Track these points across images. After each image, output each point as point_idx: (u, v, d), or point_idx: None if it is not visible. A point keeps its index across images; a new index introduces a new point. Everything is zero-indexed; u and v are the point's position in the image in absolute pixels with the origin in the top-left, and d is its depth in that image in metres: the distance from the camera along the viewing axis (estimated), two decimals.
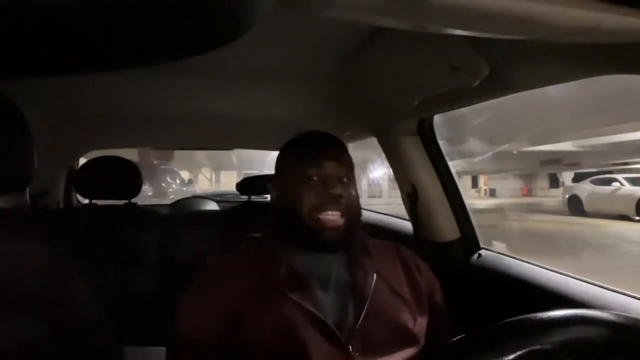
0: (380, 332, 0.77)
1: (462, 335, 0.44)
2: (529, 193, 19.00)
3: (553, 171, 16.93)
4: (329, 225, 0.79)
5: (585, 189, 10.54)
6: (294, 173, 0.83)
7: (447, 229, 1.28)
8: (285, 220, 0.84)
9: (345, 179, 0.82)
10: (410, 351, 0.78)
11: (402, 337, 0.79)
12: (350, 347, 0.73)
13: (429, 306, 0.86)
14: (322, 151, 0.83)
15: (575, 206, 10.55)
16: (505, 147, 11.44)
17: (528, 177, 19.33)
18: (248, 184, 1.88)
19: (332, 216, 0.79)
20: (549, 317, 0.43)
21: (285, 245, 0.82)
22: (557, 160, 13.68)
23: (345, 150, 0.88)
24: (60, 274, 0.60)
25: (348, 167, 0.84)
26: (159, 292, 1.54)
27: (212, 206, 2.72)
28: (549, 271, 1.00)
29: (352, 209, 0.82)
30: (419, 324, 0.82)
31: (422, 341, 0.81)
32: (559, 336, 0.41)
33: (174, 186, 9.77)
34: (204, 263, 0.87)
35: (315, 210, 0.79)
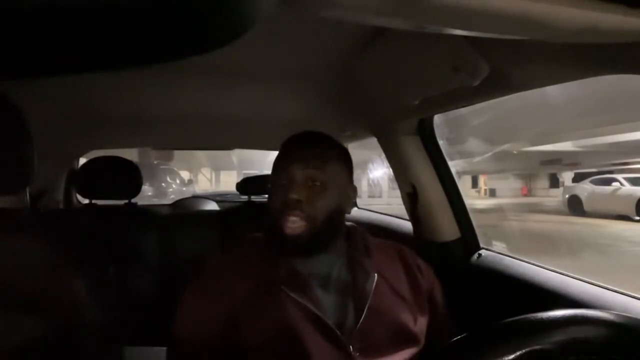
0: (381, 332, 0.77)
1: (462, 335, 0.44)
2: (529, 193, 19.00)
3: (553, 171, 16.92)
4: (288, 231, 0.77)
5: (585, 189, 10.54)
6: (272, 176, 0.84)
7: (447, 229, 1.28)
8: (267, 222, 0.84)
9: (317, 183, 0.79)
10: (410, 351, 0.78)
11: (402, 337, 0.79)
12: (350, 347, 0.73)
13: (429, 306, 0.86)
14: (291, 155, 0.82)
15: (575, 206, 10.54)
16: (505, 147, 11.44)
17: (528, 177, 19.33)
18: (248, 184, 1.89)
19: (291, 222, 0.77)
20: (549, 317, 0.43)
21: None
22: (557, 160, 13.68)
23: (326, 151, 0.83)
24: (60, 273, 0.60)
25: (321, 168, 0.80)
26: (159, 292, 1.54)
27: (212, 206, 2.72)
28: (549, 271, 1.00)
29: (318, 214, 0.79)
30: (420, 324, 0.82)
31: (423, 341, 0.81)
32: (559, 336, 0.41)
33: (174, 186, 9.78)
34: (203, 263, 0.87)
35: (278, 215, 0.79)
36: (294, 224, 0.77)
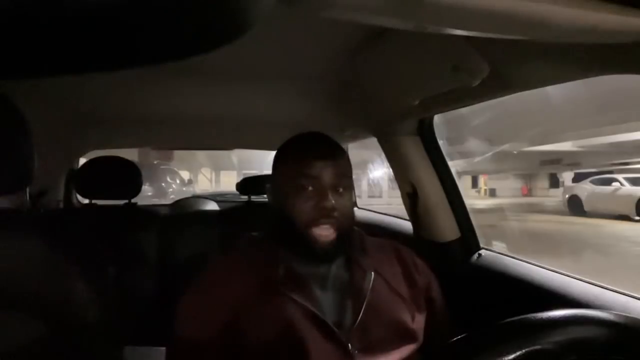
0: (379, 330, 0.77)
1: (462, 335, 0.44)
2: (529, 193, 19.01)
3: (553, 171, 16.93)
4: (322, 239, 0.77)
5: (585, 189, 10.54)
6: (289, 180, 0.80)
7: (447, 229, 1.28)
8: (281, 226, 0.82)
9: (340, 189, 0.79)
10: (409, 348, 0.79)
11: (400, 335, 0.79)
12: (349, 345, 0.74)
13: (426, 303, 0.87)
14: (318, 160, 0.79)
15: (575, 206, 10.55)
16: (505, 147, 11.45)
17: (528, 177, 19.33)
18: (248, 184, 1.89)
19: (325, 230, 0.77)
20: (549, 317, 0.43)
21: (287, 248, 0.82)
22: (557, 160, 13.69)
23: (343, 155, 0.83)
24: (60, 274, 0.60)
25: (344, 174, 0.81)
26: (159, 292, 1.54)
27: (212, 206, 2.72)
28: (549, 271, 1.00)
29: (345, 219, 0.80)
30: (418, 322, 0.82)
31: (421, 338, 0.81)
32: (559, 336, 0.41)
33: (174, 186, 9.80)
34: (203, 263, 0.86)
35: (309, 223, 0.77)
36: (327, 231, 0.77)
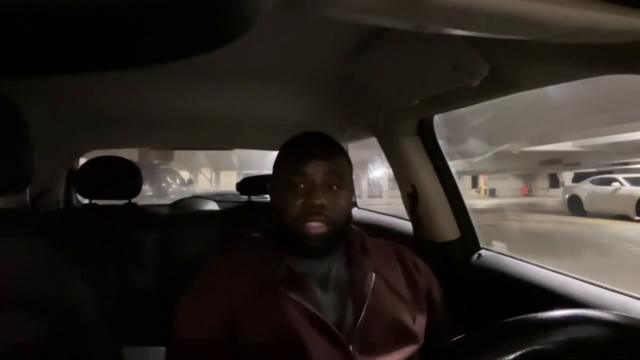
0: (380, 331, 0.77)
1: (462, 335, 0.44)
2: (529, 193, 19.00)
3: (553, 171, 16.93)
4: (311, 234, 0.78)
5: (585, 189, 10.54)
6: (282, 178, 0.83)
7: (447, 229, 1.28)
8: (277, 223, 0.84)
9: (334, 186, 0.80)
10: (409, 349, 0.79)
11: (401, 336, 0.79)
12: (350, 346, 0.74)
13: (427, 304, 0.87)
14: (310, 158, 0.80)
15: (575, 206, 10.54)
16: (505, 147, 11.46)
17: (528, 177, 19.33)
18: (248, 184, 1.89)
19: (314, 225, 0.78)
20: (549, 317, 0.43)
21: (284, 246, 0.83)
22: (557, 160, 13.69)
23: (338, 153, 0.84)
24: (60, 273, 0.60)
25: (338, 172, 0.81)
26: (159, 292, 1.54)
27: (212, 206, 2.72)
28: (549, 271, 1.00)
29: (338, 217, 0.80)
30: (418, 323, 0.82)
31: (422, 339, 0.81)
32: (560, 336, 0.41)
33: (174, 186, 9.79)
34: (203, 263, 0.87)
35: (299, 219, 0.79)
36: (317, 227, 0.78)
